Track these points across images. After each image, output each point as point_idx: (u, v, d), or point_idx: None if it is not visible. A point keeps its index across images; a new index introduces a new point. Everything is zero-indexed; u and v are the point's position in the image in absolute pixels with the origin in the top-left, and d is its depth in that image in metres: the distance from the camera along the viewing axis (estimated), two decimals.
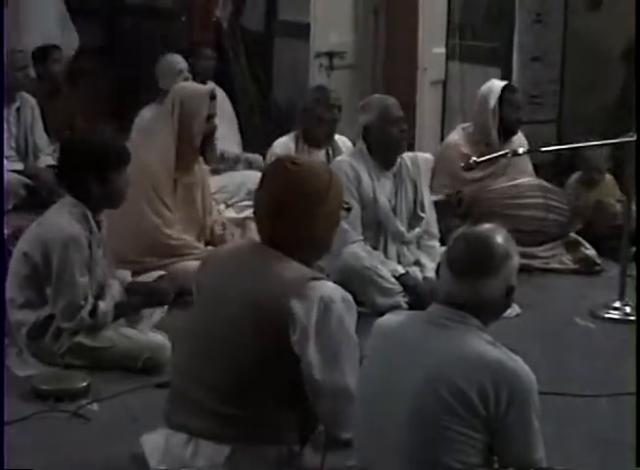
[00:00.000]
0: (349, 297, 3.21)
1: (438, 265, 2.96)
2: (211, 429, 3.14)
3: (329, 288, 3.16)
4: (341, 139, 6.37)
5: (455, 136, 6.50)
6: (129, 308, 4.63)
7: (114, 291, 4.57)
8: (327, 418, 3.19)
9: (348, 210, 3.49)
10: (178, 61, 7.39)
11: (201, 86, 6.07)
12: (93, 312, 4.38)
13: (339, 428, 3.16)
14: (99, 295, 4.48)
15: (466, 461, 2.74)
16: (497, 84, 6.46)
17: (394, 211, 5.44)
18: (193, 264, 4.69)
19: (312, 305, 3.09)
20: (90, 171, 4.37)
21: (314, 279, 3.15)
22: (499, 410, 2.69)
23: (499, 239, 2.87)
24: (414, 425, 2.76)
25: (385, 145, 5.39)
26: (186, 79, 7.02)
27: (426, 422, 2.74)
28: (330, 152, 6.29)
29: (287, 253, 3.18)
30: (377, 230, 5.44)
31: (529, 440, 2.75)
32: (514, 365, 2.75)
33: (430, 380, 2.75)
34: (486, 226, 2.93)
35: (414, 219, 5.50)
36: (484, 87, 6.45)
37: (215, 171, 6.69)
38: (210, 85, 6.85)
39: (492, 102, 6.30)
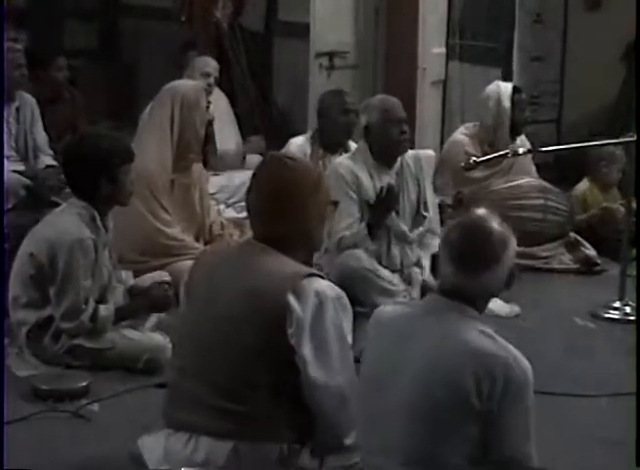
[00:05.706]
0: (344, 295, 3.22)
1: (434, 259, 2.96)
2: (212, 425, 3.14)
3: (323, 285, 3.18)
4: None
5: (459, 135, 6.49)
6: (130, 314, 4.62)
7: (118, 296, 4.57)
8: (326, 421, 3.17)
9: (335, 203, 3.54)
10: (208, 63, 7.33)
11: (194, 81, 6.07)
12: (94, 316, 4.39)
13: (338, 432, 3.15)
14: (102, 298, 4.49)
15: (461, 454, 2.72)
16: (507, 86, 6.50)
17: (397, 211, 5.33)
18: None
19: (308, 300, 3.11)
20: (99, 172, 4.39)
21: (310, 276, 3.17)
22: (493, 402, 2.67)
23: (496, 225, 2.85)
24: (411, 417, 2.76)
25: (386, 146, 5.31)
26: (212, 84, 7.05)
27: (422, 414, 2.74)
28: None
29: (280, 249, 3.21)
30: (380, 231, 5.37)
31: (522, 432, 2.71)
32: (507, 356, 2.72)
33: (425, 372, 2.75)
34: (480, 213, 2.90)
35: (417, 219, 5.40)
36: (493, 89, 6.44)
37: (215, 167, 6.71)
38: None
39: (507, 103, 6.33)
